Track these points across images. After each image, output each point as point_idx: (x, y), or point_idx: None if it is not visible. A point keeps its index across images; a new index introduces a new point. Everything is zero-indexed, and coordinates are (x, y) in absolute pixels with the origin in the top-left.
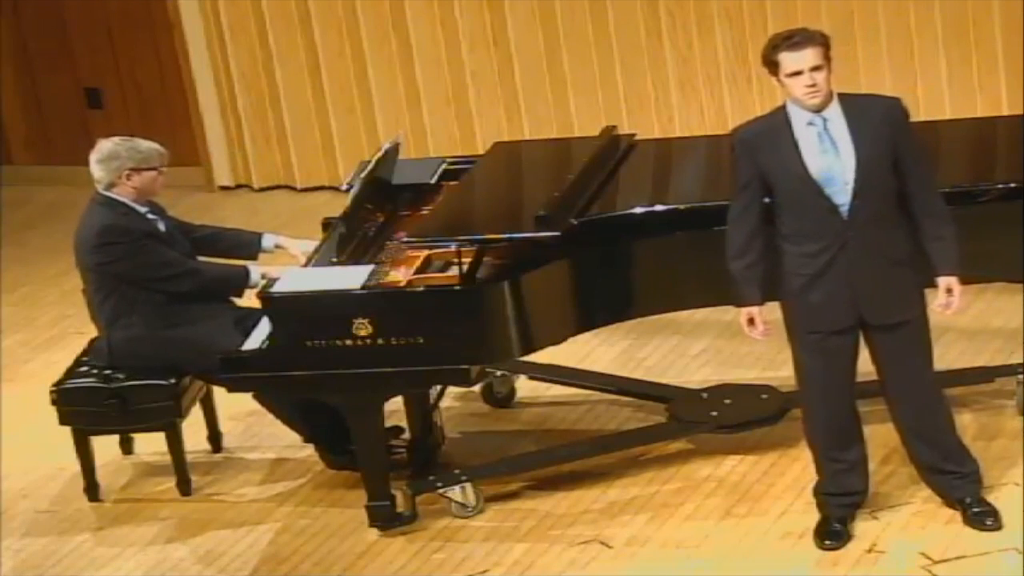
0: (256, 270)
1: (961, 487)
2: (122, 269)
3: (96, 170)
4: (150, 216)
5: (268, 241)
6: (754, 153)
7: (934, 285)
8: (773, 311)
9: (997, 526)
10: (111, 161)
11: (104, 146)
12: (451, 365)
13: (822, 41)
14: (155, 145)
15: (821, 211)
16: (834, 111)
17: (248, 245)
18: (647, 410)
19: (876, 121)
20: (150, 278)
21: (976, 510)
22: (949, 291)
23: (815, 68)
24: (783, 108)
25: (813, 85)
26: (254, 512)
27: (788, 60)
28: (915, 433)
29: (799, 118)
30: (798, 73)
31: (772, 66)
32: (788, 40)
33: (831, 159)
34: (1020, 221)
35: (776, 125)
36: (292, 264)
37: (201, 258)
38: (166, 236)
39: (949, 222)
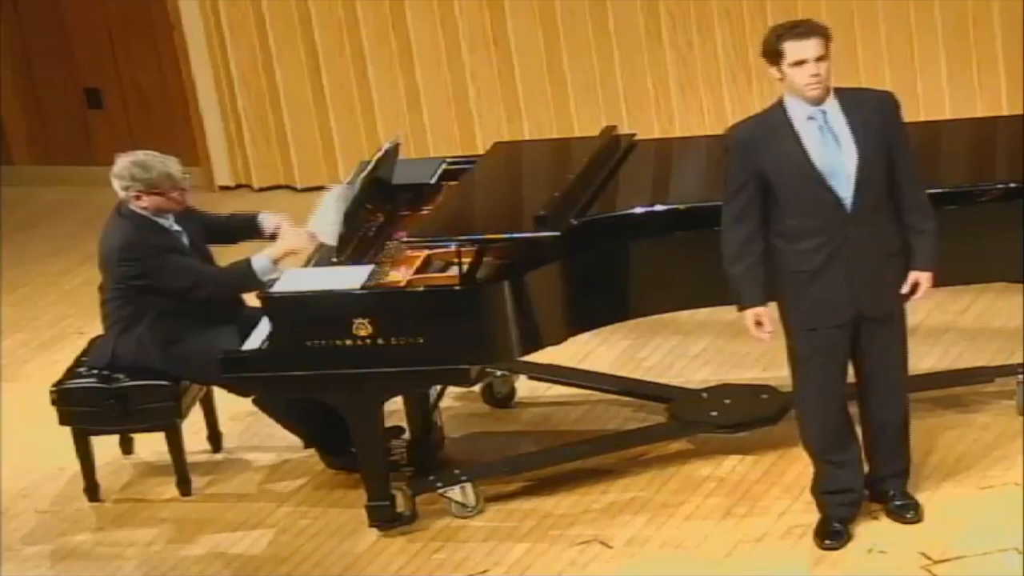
0: (258, 260)
1: (891, 482)
2: (146, 283)
3: (112, 183)
4: (174, 229)
5: (267, 222)
6: (753, 151)
7: None
8: (772, 310)
9: (917, 518)
10: (119, 180)
11: (118, 163)
12: (451, 365)
13: (825, 33)
14: (168, 168)
15: (824, 205)
16: (832, 105)
17: (254, 227)
18: (647, 410)
19: (871, 114)
20: (172, 289)
21: (898, 503)
22: (915, 284)
23: (819, 59)
24: (780, 104)
25: (817, 75)
26: (254, 512)
27: (793, 49)
28: (877, 437)
29: (799, 112)
30: (802, 62)
31: (774, 56)
32: (793, 29)
33: (833, 152)
34: (1020, 221)
35: (774, 121)
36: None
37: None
38: (188, 250)
39: (932, 216)
